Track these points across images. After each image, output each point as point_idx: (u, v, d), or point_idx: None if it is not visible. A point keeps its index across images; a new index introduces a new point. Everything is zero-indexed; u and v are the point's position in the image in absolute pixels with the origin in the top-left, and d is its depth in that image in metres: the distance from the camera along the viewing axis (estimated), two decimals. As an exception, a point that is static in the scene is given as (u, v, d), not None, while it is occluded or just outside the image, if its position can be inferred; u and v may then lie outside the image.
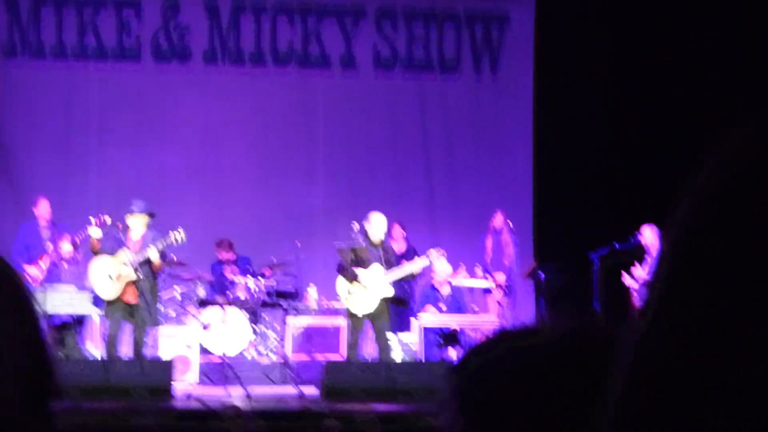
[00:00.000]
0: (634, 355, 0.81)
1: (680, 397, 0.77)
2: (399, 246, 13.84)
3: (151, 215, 12.32)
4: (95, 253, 12.17)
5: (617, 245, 13.07)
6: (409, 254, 13.60)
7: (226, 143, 16.38)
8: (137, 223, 12.26)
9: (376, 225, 12.55)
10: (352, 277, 12.27)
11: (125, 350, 12.60)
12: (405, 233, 14.01)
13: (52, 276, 12.92)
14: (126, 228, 12.29)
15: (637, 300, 12.70)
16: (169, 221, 15.32)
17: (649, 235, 12.77)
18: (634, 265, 12.87)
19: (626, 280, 12.82)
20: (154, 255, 12.09)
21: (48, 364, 1.08)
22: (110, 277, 12.02)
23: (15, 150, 15.97)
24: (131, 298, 12.01)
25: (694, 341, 0.77)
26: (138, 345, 12.02)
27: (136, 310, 12.00)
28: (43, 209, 13.49)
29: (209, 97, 16.44)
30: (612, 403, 0.82)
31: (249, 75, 16.59)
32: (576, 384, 1.25)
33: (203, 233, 15.56)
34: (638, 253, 12.98)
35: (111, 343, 12.06)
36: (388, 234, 13.84)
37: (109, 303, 12.05)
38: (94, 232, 12.16)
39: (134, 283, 12.01)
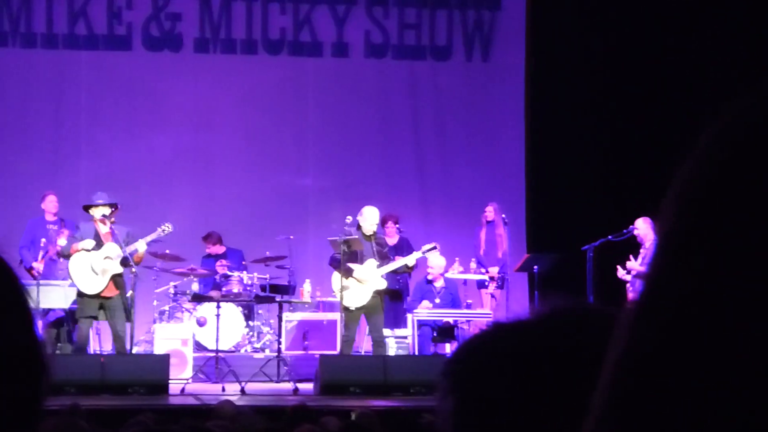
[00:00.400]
0: (624, 345, 0.81)
1: (668, 390, 0.77)
2: (392, 239, 13.84)
3: (114, 206, 12.19)
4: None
5: (611, 238, 13.08)
6: (403, 247, 13.60)
7: (217, 131, 16.36)
8: (101, 215, 12.10)
9: (369, 218, 12.56)
10: (347, 272, 12.27)
11: (107, 347, 12.67)
12: (398, 226, 14.00)
13: (48, 271, 12.88)
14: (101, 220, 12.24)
15: (631, 292, 12.73)
16: (161, 209, 15.35)
17: (643, 227, 12.79)
18: (628, 258, 12.89)
19: (620, 272, 12.84)
20: (142, 248, 12.07)
21: (42, 361, 1.08)
22: (94, 271, 11.96)
23: (6, 137, 15.92)
24: (109, 292, 11.98)
25: (685, 332, 0.77)
26: (120, 340, 11.95)
27: (109, 305, 11.94)
28: (49, 204, 13.52)
29: (200, 85, 16.41)
30: (601, 391, 0.82)
31: (240, 63, 16.56)
32: (563, 362, 1.24)
33: (194, 221, 15.57)
34: (633, 245, 13.00)
35: (84, 339, 12.04)
36: (382, 227, 13.85)
37: (86, 298, 11.96)
38: (62, 242, 12.21)
39: (116, 276, 12.00)
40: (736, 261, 0.76)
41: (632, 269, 12.69)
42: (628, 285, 12.85)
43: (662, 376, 0.77)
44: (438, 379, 1.28)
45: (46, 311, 12.29)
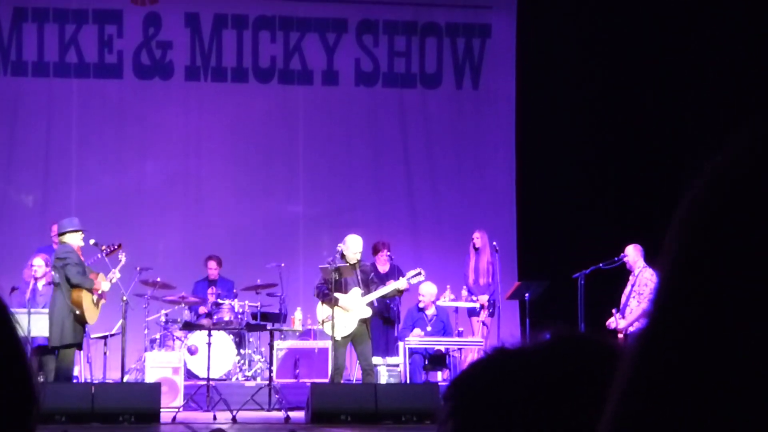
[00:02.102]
0: (631, 374, 0.82)
1: (681, 402, 0.77)
2: (383, 267, 13.83)
3: (83, 232, 12.13)
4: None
5: (602, 265, 13.08)
6: (394, 274, 13.58)
7: (207, 158, 16.38)
8: (75, 240, 11.99)
9: (352, 246, 12.50)
10: (332, 302, 12.22)
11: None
12: (389, 253, 13.99)
13: (32, 298, 12.80)
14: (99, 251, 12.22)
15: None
16: (150, 236, 15.36)
17: (632, 254, 12.79)
18: (618, 283, 12.90)
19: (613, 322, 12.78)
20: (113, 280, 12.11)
21: (32, 390, 1.09)
22: (94, 303, 11.96)
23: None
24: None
25: (696, 348, 0.78)
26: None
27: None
28: (54, 233, 13.54)
29: (191, 112, 16.44)
30: (612, 407, 0.83)
31: (231, 91, 16.58)
32: (565, 389, 1.25)
33: (184, 248, 15.60)
34: (623, 272, 13.00)
35: (70, 370, 12.00)
36: (373, 255, 13.84)
37: (79, 327, 11.92)
38: (105, 286, 12.07)
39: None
40: (743, 288, 0.77)
41: (618, 326, 12.65)
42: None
43: (672, 404, 0.78)
44: (439, 404, 1.29)
45: (30, 339, 12.18)
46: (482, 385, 1.33)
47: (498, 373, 1.32)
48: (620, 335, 12.58)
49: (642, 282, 12.58)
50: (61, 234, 12.08)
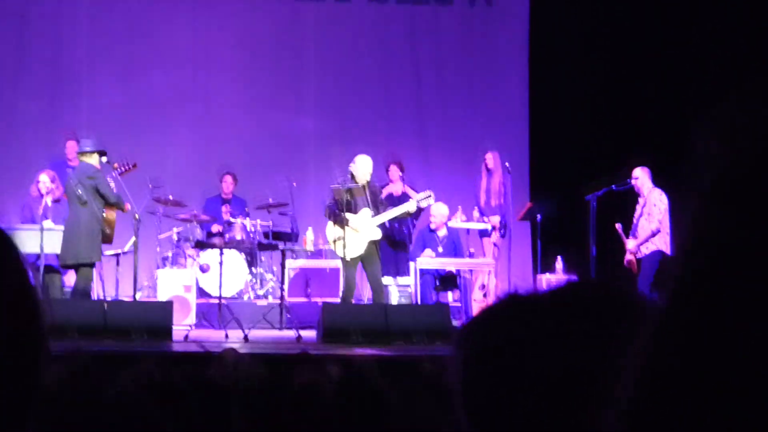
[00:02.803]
0: (651, 344, 0.82)
1: (695, 390, 0.78)
2: (396, 187, 13.80)
3: (102, 153, 12.12)
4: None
5: (614, 187, 13.05)
6: (406, 195, 13.57)
7: (217, 72, 16.29)
8: (95, 161, 11.97)
9: (362, 166, 12.45)
10: (343, 222, 12.23)
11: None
12: (402, 173, 13.96)
13: (43, 215, 12.79)
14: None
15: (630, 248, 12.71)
16: (160, 149, 15.33)
17: (641, 176, 12.77)
18: (628, 207, 12.91)
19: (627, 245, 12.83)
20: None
21: (36, 305, 1.09)
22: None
23: (4, 79, 15.85)
24: None
25: (710, 334, 0.78)
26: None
27: None
28: (70, 150, 13.56)
29: (200, 25, 16.30)
30: (626, 391, 0.82)
31: (241, 3, 16.42)
32: (573, 336, 1.25)
33: (193, 164, 15.57)
34: (635, 194, 12.98)
35: (89, 286, 12.06)
36: (385, 171, 13.83)
37: (100, 246, 12.00)
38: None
39: None
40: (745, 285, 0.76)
41: (628, 246, 12.72)
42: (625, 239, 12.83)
43: (690, 382, 0.78)
44: (450, 324, 1.29)
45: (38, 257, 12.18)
46: (492, 333, 1.32)
47: (508, 322, 1.31)
48: (631, 256, 12.62)
49: (651, 202, 12.60)
50: (81, 153, 12.08)
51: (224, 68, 16.28)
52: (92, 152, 11.96)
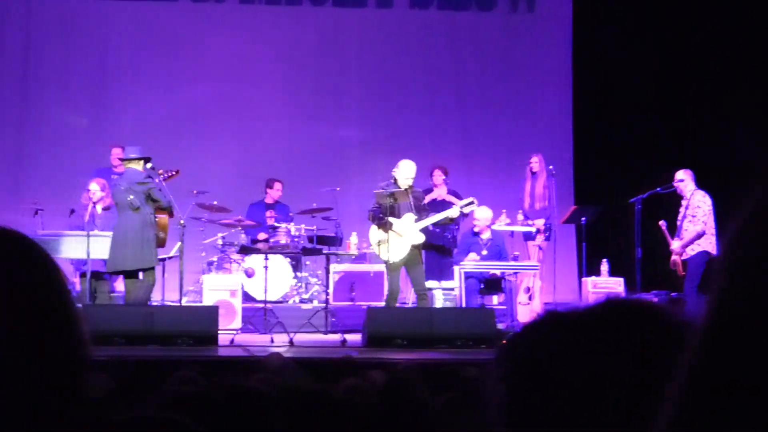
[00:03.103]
0: (698, 352, 0.83)
1: (743, 396, 0.79)
2: (440, 191, 13.80)
3: (147, 160, 12.19)
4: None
5: (660, 190, 12.99)
6: (450, 202, 13.58)
7: (260, 82, 16.38)
8: (140, 167, 12.01)
9: (405, 171, 12.45)
10: (386, 226, 12.24)
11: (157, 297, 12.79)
12: (446, 178, 13.97)
13: (101, 222, 12.89)
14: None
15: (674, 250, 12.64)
16: (203, 160, 15.42)
17: (685, 179, 12.69)
18: (672, 210, 12.85)
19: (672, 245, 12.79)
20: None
21: (74, 314, 1.11)
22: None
23: (49, 89, 16.01)
24: None
25: (756, 342, 0.79)
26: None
27: None
28: (115, 157, 13.69)
29: (244, 35, 16.41)
30: (674, 395, 0.84)
31: (284, 14, 16.51)
32: (613, 358, 1.27)
33: (238, 171, 15.65)
34: (678, 197, 12.91)
35: (150, 291, 12.12)
36: (429, 176, 13.83)
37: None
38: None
39: None
40: None
41: (673, 248, 12.67)
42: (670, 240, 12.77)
43: (737, 387, 0.78)
44: (494, 328, 1.31)
45: (84, 263, 12.27)
46: (532, 347, 1.34)
47: (548, 339, 1.33)
48: (676, 257, 12.56)
49: (694, 204, 12.54)
50: (127, 160, 12.14)
51: (267, 78, 16.36)
52: (138, 159, 12.03)
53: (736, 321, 0.80)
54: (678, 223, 12.70)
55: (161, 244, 11.98)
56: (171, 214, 12.05)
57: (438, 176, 13.97)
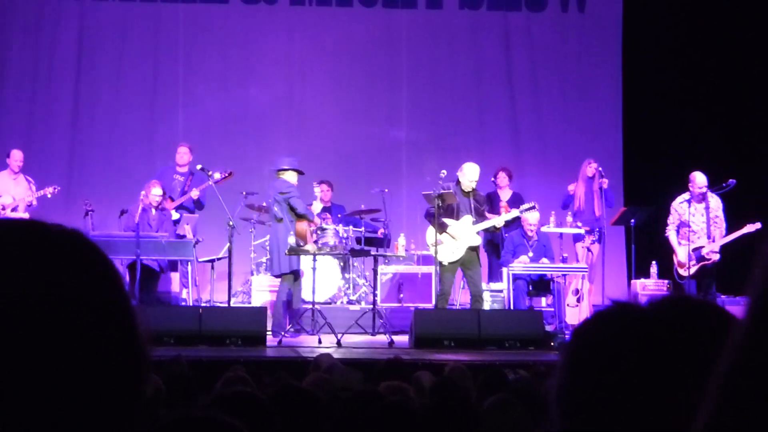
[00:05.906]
0: (735, 354, 0.84)
1: None
2: (504, 193, 13.83)
3: (299, 173, 12.38)
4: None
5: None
6: (515, 201, 13.61)
7: (311, 83, 16.44)
8: (292, 178, 12.30)
9: (468, 174, 12.44)
10: (441, 227, 12.25)
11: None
12: (510, 180, 13.99)
13: (159, 222, 12.98)
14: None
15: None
16: (253, 159, 15.48)
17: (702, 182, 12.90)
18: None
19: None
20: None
21: (132, 316, 1.12)
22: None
23: (104, 90, 16.16)
24: None
25: None
26: None
27: None
28: (180, 155, 13.80)
29: (295, 37, 16.48)
30: (713, 394, 0.84)
31: (335, 15, 16.55)
32: (673, 347, 1.30)
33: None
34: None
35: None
36: (494, 177, 13.86)
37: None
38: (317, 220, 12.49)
39: None
40: None
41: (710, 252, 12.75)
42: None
43: None
44: (543, 329, 1.34)
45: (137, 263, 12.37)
46: (598, 338, 1.37)
47: (617, 330, 1.36)
48: (714, 255, 12.70)
49: (713, 207, 12.72)
50: (279, 171, 12.30)
51: (318, 78, 16.42)
52: (288, 170, 12.21)
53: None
54: (704, 226, 12.77)
55: (297, 252, 12.17)
56: (309, 221, 12.21)
57: (503, 178, 13.99)
